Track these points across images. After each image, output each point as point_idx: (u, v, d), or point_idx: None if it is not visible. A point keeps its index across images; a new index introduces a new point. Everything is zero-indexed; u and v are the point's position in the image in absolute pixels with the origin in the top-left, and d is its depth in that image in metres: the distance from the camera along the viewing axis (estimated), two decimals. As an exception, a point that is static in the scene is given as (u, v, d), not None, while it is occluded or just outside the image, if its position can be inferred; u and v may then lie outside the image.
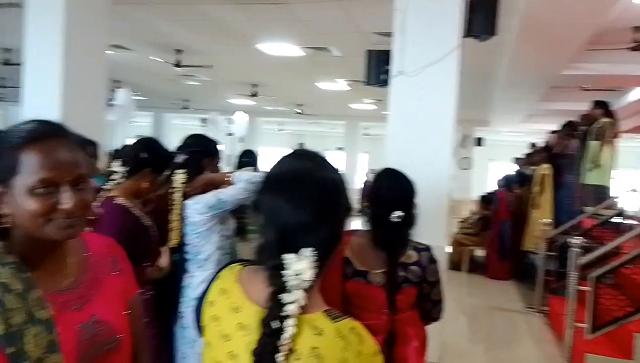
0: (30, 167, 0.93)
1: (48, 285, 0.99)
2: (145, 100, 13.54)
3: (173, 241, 2.32)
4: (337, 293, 1.80)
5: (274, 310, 0.86)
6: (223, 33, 6.22)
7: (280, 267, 0.88)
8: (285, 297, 0.86)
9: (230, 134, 12.51)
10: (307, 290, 0.88)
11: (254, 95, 10.78)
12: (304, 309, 0.87)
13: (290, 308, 0.85)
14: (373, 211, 1.79)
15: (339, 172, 0.98)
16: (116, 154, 2.26)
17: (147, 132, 15.41)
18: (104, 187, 2.16)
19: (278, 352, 0.84)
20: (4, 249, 0.97)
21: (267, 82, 9.78)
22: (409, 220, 1.78)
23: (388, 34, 3.90)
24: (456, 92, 3.38)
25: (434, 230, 3.17)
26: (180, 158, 2.38)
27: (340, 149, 16.03)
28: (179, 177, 2.35)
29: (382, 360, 0.89)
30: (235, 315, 0.96)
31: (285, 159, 1.01)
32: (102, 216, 1.90)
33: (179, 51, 7.41)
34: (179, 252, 2.36)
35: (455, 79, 3.34)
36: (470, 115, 11.53)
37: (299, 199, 0.91)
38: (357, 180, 14.59)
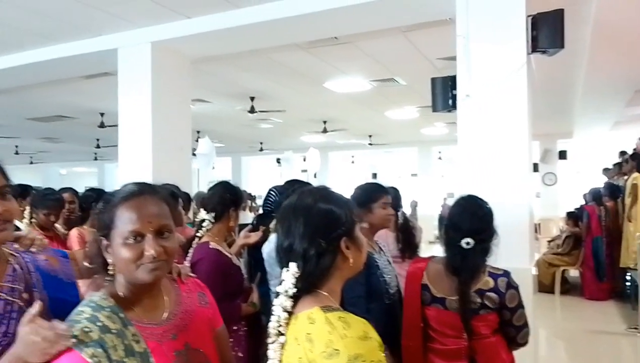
0: (123, 221, 1.13)
1: (147, 320, 1.16)
2: (223, 146, 14.29)
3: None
4: (418, 318, 1.84)
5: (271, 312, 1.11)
6: (293, 77, 6.54)
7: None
8: (275, 301, 1.11)
9: (304, 171, 12.85)
10: (304, 293, 1.10)
11: (324, 131, 11.07)
12: (304, 306, 1.09)
13: (275, 310, 1.10)
14: (447, 237, 1.83)
15: (335, 203, 1.18)
16: (201, 203, 2.46)
17: (227, 176, 16.20)
18: (197, 234, 2.36)
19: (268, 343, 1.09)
20: (105, 295, 1.15)
21: (337, 117, 10.02)
22: (482, 247, 1.80)
23: (452, 58, 3.94)
24: (528, 108, 3.33)
25: (518, 252, 3.10)
26: None
27: (414, 175, 15.86)
28: None
29: (373, 345, 1.01)
30: None
31: (291, 195, 1.24)
32: (198, 261, 2.09)
33: (252, 98, 7.83)
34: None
35: (525, 96, 3.30)
36: (551, 128, 11.03)
37: (287, 226, 1.15)
38: (433, 205, 14.33)
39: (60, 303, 1.22)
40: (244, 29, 4.22)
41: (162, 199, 1.20)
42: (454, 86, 3.68)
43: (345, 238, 1.14)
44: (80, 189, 4.13)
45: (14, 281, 1.17)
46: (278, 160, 15.03)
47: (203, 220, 2.34)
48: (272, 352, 1.09)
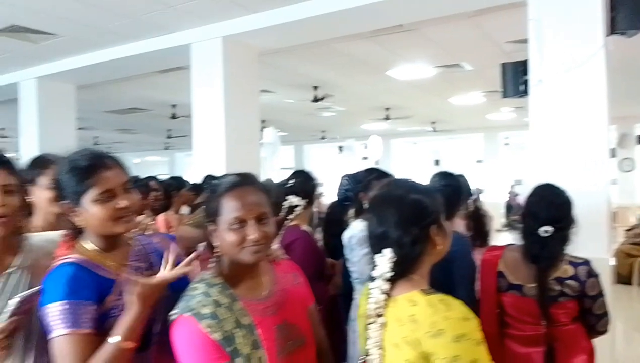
0: (228, 209, 1.25)
1: (250, 297, 1.28)
2: (286, 135, 14.55)
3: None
4: (493, 304, 1.87)
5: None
6: (356, 65, 6.56)
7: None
8: (370, 285, 1.21)
9: (365, 158, 12.88)
10: (399, 277, 1.18)
11: (386, 118, 11.01)
12: (401, 290, 1.18)
13: (373, 293, 1.19)
14: (524, 225, 1.83)
15: (424, 194, 1.25)
16: (290, 191, 2.59)
17: (290, 164, 16.52)
18: (287, 218, 2.51)
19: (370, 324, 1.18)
20: (214, 274, 1.29)
21: (399, 104, 9.93)
22: (561, 235, 1.79)
23: (521, 41, 3.83)
24: (606, 92, 3.20)
25: (595, 241, 3.01)
26: None
27: (479, 161, 15.43)
28: None
29: (473, 324, 1.08)
30: None
31: (381, 186, 1.35)
32: (293, 241, 2.25)
33: (315, 87, 7.93)
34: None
35: (604, 80, 3.17)
36: (628, 111, 10.38)
37: (381, 215, 1.23)
38: (500, 192, 13.90)
39: (174, 281, 1.36)
40: (310, 21, 4.30)
41: (260, 189, 1.32)
42: (525, 71, 3.59)
43: (434, 226, 1.21)
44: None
45: (138, 260, 1.33)
46: (340, 148, 15.14)
47: (296, 206, 2.49)
48: (373, 332, 1.17)
